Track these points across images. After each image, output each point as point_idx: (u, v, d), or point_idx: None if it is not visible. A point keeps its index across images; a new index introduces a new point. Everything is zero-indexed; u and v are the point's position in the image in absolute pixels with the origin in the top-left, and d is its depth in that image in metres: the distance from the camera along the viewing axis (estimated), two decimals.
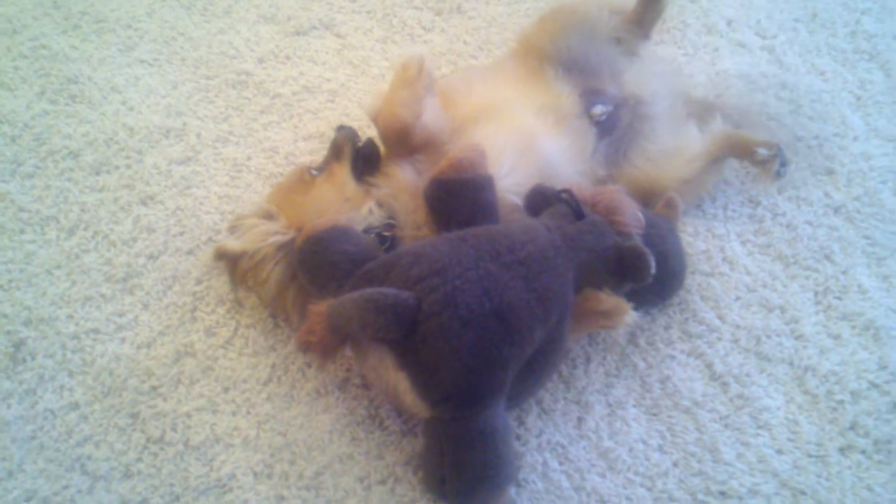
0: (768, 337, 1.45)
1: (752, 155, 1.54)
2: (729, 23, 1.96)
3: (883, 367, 1.42)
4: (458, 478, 1.15)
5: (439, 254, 1.18)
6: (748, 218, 1.61)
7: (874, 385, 1.40)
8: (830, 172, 1.68)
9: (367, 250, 1.25)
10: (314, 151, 1.71)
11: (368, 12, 2.00)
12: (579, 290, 1.24)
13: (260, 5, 2.01)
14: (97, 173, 1.66)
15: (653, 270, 1.24)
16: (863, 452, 1.34)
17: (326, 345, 1.15)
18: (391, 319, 1.10)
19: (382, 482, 1.29)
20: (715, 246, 1.56)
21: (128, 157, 1.69)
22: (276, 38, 1.94)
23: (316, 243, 1.25)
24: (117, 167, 1.67)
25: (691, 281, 1.51)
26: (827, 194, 1.64)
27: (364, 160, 1.45)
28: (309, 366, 1.42)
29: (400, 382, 1.15)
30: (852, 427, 1.36)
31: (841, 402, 1.38)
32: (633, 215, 1.29)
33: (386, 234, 1.34)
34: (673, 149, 1.57)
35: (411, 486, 1.28)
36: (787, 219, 1.60)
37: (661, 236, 1.36)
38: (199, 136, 1.73)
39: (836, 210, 1.62)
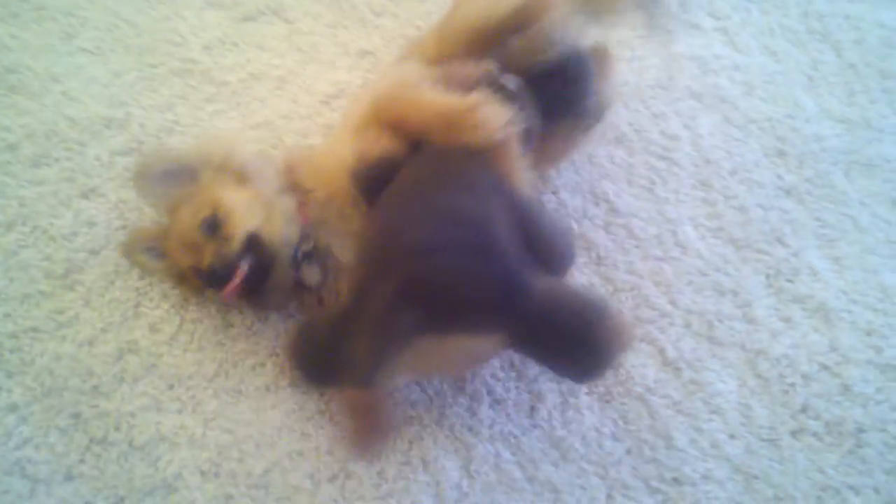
0: (720, 321, 1.45)
1: None
2: (682, 4, 1.95)
3: (834, 350, 1.42)
4: None
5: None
6: (701, 201, 1.60)
7: (825, 367, 1.40)
8: (782, 154, 1.67)
9: None
10: (262, 140, 1.67)
11: None
12: None
13: None
14: (36, 166, 1.62)
15: None
16: (814, 435, 1.34)
17: None
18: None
19: (333, 479, 1.27)
20: (667, 230, 1.55)
21: (69, 149, 1.64)
22: (223, 25, 1.90)
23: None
24: (57, 159, 1.63)
25: (643, 266, 1.50)
26: (779, 176, 1.64)
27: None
28: (262, 364, 1.39)
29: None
30: (804, 410, 1.36)
31: (792, 385, 1.38)
32: None
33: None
34: None
35: (360, 481, 1.26)
36: (739, 201, 1.60)
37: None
38: (142, 126, 1.69)
39: (788, 192, 1.62)
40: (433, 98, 1.25)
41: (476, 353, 1.20)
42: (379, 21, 1.91)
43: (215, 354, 1.39)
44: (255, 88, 1.77)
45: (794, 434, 1.34)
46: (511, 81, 1.34)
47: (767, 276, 1.50)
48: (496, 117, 1.19)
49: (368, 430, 1.21)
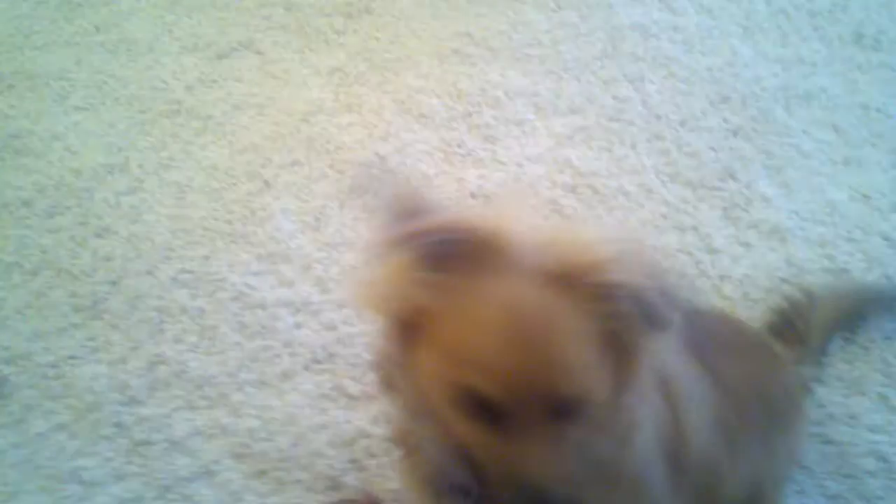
0: (685, 255, 1.58)
1: None
2: None
3: (791, 265, 1.54)
4: None
5: None
6: (656, 153, 1.73)
7: (785, 281, 1.53)
8: (726, 99, 1.81)
9: None
10: (251, 163, 1.82)
11: (283, 27, 2.13)
12: None
13: (181, 37, 2.13)
14: (51, 216, 1.77)
15: None
16: None
17: None
18: None
19: (351, 442, 1.40)
20: (628, 182, 1.69)
21: (78, 197, 1.80)
22: (201, 65, 2.06)
23: None
24: (69, 207, 1.78)
25: (610, 218, 1.64)
26: (725, 120, 1.78)
27: None
28: (278, 356, 1.52)
29: None
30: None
31: (756, 301, 1.51)
32: None
33: None
34: None
35: (376, 441, 1.39)
36: (691, 148, 1.73)
37: None
38: (141, 166, 1.85)
39: (735, 133, 1.75)
40: None
41: None
42: (342, 39, 2.07)
43: (234, 353, 1.52)
44: (238, 118, 1.93)
45: None
46: None
47: (724, 210, 1.63)
48: None
49: None
